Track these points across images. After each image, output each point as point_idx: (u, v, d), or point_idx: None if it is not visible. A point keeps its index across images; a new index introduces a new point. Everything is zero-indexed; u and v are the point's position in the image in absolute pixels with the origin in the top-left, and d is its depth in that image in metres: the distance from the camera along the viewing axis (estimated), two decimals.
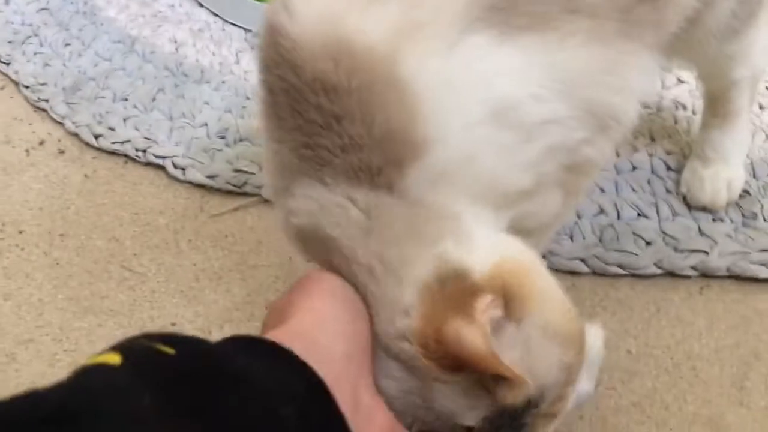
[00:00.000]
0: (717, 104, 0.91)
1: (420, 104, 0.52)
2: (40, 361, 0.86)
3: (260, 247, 0.95)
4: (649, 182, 0.97)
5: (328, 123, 0.53)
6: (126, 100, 1.16)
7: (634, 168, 0.99)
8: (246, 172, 1.02)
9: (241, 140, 1.07)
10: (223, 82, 1.18)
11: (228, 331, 0.86)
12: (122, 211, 1.01)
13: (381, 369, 0.53)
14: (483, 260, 0.52)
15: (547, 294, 0.54)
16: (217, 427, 0.38)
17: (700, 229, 0.91)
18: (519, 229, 0.58)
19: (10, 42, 1.29)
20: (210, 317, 0.88)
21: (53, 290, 0.92)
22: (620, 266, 0.88)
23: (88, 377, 0.38)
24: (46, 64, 1.24)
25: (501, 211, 0.57)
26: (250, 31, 1.28)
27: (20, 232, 0.99)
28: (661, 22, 0.62)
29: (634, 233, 0.91)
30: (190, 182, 1.03)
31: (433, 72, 0.52)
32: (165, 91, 1.17)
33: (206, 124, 1.10)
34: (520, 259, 0.55)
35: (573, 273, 0.88)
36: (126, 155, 1.08)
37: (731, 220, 0.92)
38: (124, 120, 1.12)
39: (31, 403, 0.35)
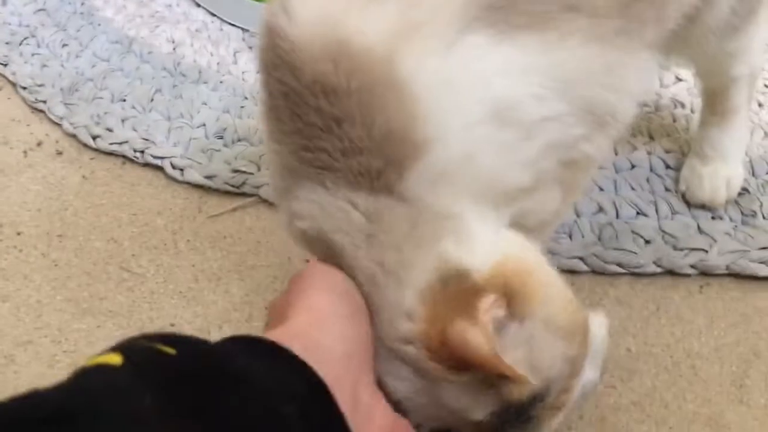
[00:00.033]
0: (715, 102, 0.91)
1: (419, 104, 0.52)
2: (39, 363, 0.85)
3: (259, 248, 0.95)
4: (648, 180, 0.97)
5: (328, 126, 0.53)
6: (124, 100, 1.16)
7: (632, 166, 0.99)
8: (244, 172, 1.02)
9: (239, 140, 1.07)
10: (221, 82, 1.18)
11: (227, 332, 0.86)
12: (120, 212, 1.00)
13: (388, 371, 0.53)
14: (484, 259, 0.53)
15: (550, 289, 0.54)
16: (217, 427, 0.38)
17: (699, 228, 0.91)
18: (519, 228, 0.58)
19: (7, 43, 1.29)
20: (209, 318, 0.88)
21: (52, 291, 0.92)
22: (619, 265, 0.88)
23: (88, 378, 0.38)
24: (44, 65, 1.24)
25: (501, 210, 0.57)
26: (247, 30, 1.28)
27: (18, 234, 0.99)
28: (661, 18, 0.62)
29: (633, 232, 0.91)
30: (188, 183, 1.03)
31: (432, 72, 0.52)
32: (163, 92, 1.17)
33: (204, 125, 1.10)
34: (522, 256, 0.55)
35: (572, 272, 0.88)
36: (124, 156, 1.07)
37: (730, 219, 0.92)
38: (122, 121, 1.12)
39: (29, 403, 0.35)
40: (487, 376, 0.50)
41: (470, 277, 0.52)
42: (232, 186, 1.01)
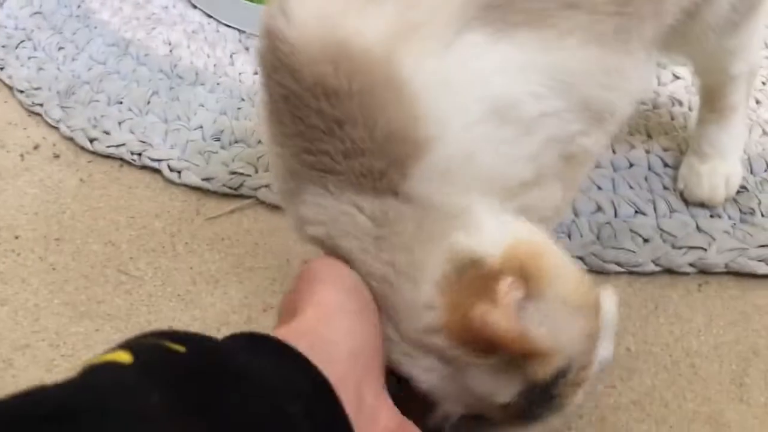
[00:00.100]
0: (714, 100, 0.90)
1: (419, 104, 0.52)
2: (37, 367, 0.85)
3: (257, 250, 0.94)
4: (646, 179, 0.97)
5: (330, 128, 0.53)
6: (121, 103, 1.16)
7: (631, 165, 0.98)
8: (242, 174, 1.01)
9: (236, 142, 1.07)
10: (218, 84, 1.18)
11: (225, 334, 0.85)
12: (118, 215, 1.00)
13: (414, 366, 0.54)
14: (496, 245, 0.53)
15: (562, 269, 0.55)
16: (221, 424, 0.38)
17: (697, 226, 0.91)
18: None
19: (3, 46, 1.29)
20: (207, 320, 0.88)
21: (49, 295, 0.92)
22: (618, 264, 0.88)
23: (95, 375, 0.38)
24: (40, 69, 1.24)
25: (504, 205, 0.57)
26: (244, 32, 1.27)
27: (16, 237, 0.99)
28: (659, 14, 0.63)
29: (631, 230, 0.91)
30: (185, 185, 1.03)
31: (430, 72, 0.52)
32: (160, 94, 1.17)
33: (201, 127, 1.10)
34: (533, 239, 0.56)
35: None
36: (121, 159, 1.07)
37: (729, 217, 0.92)
38: (119, 123, 1.12)
39: (33, 400, 0.35)
40: (513, 357, 0.51)
41: (485, 263, 0.52)
42: (230, 188, 1.01)
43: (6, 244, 0.98)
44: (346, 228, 0.54)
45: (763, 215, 0.91)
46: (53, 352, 0.86)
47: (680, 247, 0.88)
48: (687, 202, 0.93)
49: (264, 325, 0.85)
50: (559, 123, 0.57)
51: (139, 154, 1.06)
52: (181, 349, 0.41)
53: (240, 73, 1.19)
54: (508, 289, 0.50)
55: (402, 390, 0.55)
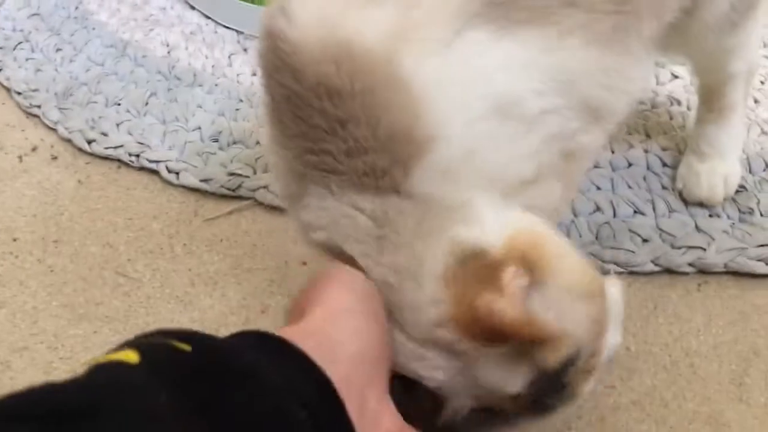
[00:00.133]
0: (712, 99, 0.90)
1: (421, 103, 0.52)
2: (35, 369, 0.85)
3: (255, 251, 0.94)
4: (644, 179, 0.97)
5: (333, 128, 0.53)
6: (119, 104, 1.15)
7: (629, 165, 0.98)
8: (240, 175, 1.01)
9: (234, 143, 1.07)
10: (216, 85, 1.17)
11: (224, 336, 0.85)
12: (116, 216, 1.00)
13: (422, 365, 0.53)
14: (497, 235, 0.53)
15: (565, 257, 0.55)
16: (223, 423, 0.38)
17: (696, 226, 0.91)
18: None
19: (1, 48, 1.29)
20: (205, 322, 0.87)
21: (47, 297, 0.92)
22: (617, 264, 0.88)
23: (104, 374, 0.38)
24: (38, 70, 1.24)
25: (505, 202, 0.57)
26: (242, 33, 1.27)
27: (14, 240, 0.98)
28: (658, 12, 0.63)
29: (630, 230, 0.90)
30: (184, 186, 1.03)
31: (432, 70, 0.52)
32: (158, 95, 1.16)
33: (199, 128, 1.10)
34: (534, 229, 0.56)
35: None
36: (119, 160, 1.07)
37: (728, 216, 0.92)
38: (117, 125, 1.12)
39: (36, 399, 0.35)
40: (522, 346, 0.51)
41: (487, 253, 0.52)
42: (228, 189, 1.01)
43: (4, 246, 0.98)
44: (348, 231, 0.54)
45: (762, 215, 0.91)
46: (51, 355, 0.86)
47: (679, 247, 0.88)
48: (686, 202, 0.93)
49: (262, 326, 0.84)
50: (559, 120, 0.57)
51: (137, 156, 1.06)
52: (186, 348, 0.41)
53: (238, 74, 1.19)
54: (512, 277, 0.50)
55: (405, 395, 0.54)
